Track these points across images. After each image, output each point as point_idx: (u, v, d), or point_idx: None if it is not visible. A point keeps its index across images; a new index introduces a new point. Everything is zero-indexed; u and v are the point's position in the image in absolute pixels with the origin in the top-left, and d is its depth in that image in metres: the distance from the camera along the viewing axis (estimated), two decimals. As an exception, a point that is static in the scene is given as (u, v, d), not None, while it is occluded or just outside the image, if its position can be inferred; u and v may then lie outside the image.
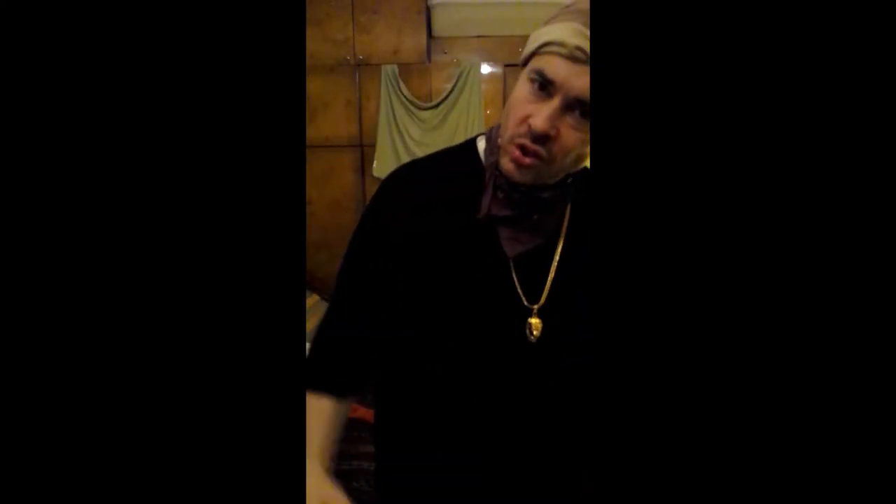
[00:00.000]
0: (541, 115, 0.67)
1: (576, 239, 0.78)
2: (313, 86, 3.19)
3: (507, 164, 0.72)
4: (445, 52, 3.23)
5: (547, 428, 0.73)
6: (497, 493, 0.73)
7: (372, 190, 3.51)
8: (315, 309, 3.02)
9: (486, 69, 3.18)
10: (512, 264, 0.74)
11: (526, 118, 0.68)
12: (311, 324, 2.81)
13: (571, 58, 0.64)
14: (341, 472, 2.23)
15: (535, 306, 0.74)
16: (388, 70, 3.14)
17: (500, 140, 0.73)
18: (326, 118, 3.24)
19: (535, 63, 0.68)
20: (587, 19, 0.64)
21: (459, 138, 3.15)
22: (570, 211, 0.79)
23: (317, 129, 3.24)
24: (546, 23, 0.68)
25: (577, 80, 0.65)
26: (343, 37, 3.18)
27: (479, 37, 3.21)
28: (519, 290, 0.74)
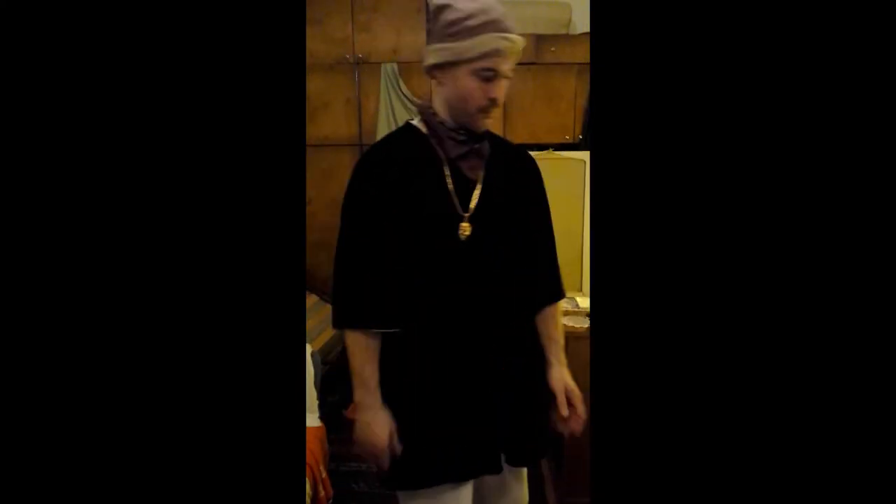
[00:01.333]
0: (500, 92, 1.10)
1: (492, 164, 1.16)
2: (313, 84, 3.18)
3: (484, 123, 1.13)
4: (445, 51, 3.22)
5: (476, 299, 1.11)
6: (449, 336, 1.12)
7: (372, 189, 3.42)
8: (315, 309, 3.01)
9: (486, 68, 3.18)
10: (453, 189, 1.11)
11: (487, 97, 1.08)
12: (311, 324, 2.80)
13: (503, 55, 1.06)
14: (341, 473, 2.23)
15: (467, 214, 1.11)
16: (388, 68, 3.13)
17: (463, 114, 1.11)
18: (326, 117, 3.23)
19: (483, 65, 1.06)
20: (501, 25, 1.07)
21: (459, 137, 3.14)
22: (490, 144, 1.17)
23: (316, 128, 3.23)
24: (464, 38, 1.05)
25: (506, 66, 1.10)
26: (342, 35, 3.17)
27: (479, 35, 3.20)
28: (456, 204, 1.11)
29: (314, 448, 1.82)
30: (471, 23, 1.05)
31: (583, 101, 3.21)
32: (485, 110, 1.10)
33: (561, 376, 1.20)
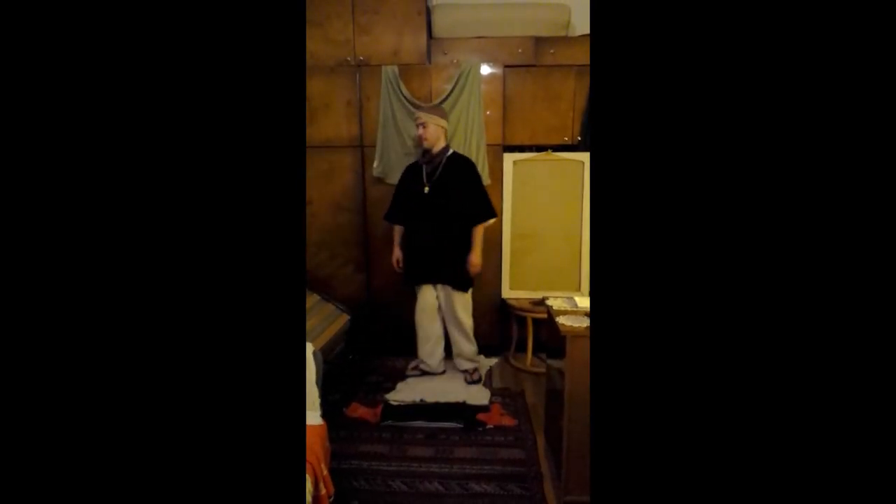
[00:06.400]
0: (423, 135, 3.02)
1: (448, 166, 2.97)
2: (314, 86, 3.20)
3: (421, 144, 3.05)
4: (445, 53, 3.24)
5: (434, 225, 2.99)
6: (426, 253, 3.05)
7: (372, 190, 3.53)
8: (316, 308, 3.03)
9: (485, 70, 3.20)
10: (424, 177, 3.00)
11: (419, 134, 3.03)
12: (313, 322, 2.81)
13: (418, 122, 2.99)
14: (342, 472, 2.25)
15: (427, 184, 2.98)
16: (389, 71, 3.15)
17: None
18: (327, 119, 3.25)
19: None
20: (421, 110, 2.98)
21: (459, 138, 3.16)
22: (447, 160, 2.99)
23: (317, 130, 3.26)
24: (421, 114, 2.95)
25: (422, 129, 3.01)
26: (343, 38, 3.19)
27: (479, 37, 3.22)
28: (424, 181, 3.00)
29: (315, 446, 1.83)
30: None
31: (582, 103, 3.22)
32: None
33: (473, 253, 2.99)
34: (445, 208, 2.92)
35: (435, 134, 2.90)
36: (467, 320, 3.10)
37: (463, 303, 3.07)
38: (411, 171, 3.03)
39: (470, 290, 3.09)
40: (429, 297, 3.07)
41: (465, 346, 3.14)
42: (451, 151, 2.97)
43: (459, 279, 3.02)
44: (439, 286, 3.04)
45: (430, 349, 3.14)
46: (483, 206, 2.95)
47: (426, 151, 2.93)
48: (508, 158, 3.30)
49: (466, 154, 3.09)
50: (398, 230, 3.10)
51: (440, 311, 3.11)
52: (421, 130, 2.88)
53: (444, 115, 2.94)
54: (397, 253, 3.10)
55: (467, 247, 2.98)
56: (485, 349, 3.34)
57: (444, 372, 3.19)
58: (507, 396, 2.95)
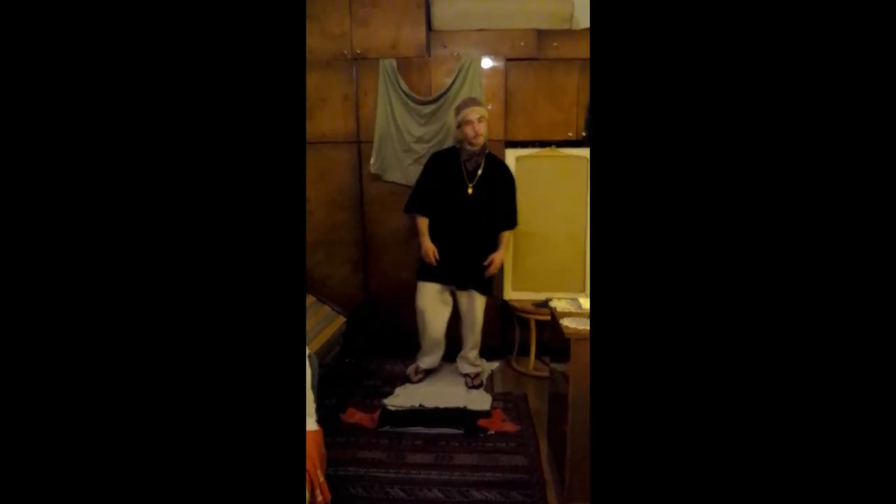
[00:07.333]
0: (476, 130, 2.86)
1: (487, 166, 2.89)
2: (310, 81, 3.11)
3: (473, 142, 2.86)
4: (445, 46, 3.17)
5: (475, 229, 2.92)
6: (460, 251, 2.95)
7: (369, 188, 3.44)
8: (311, 310, 2.95)
9: (487, 63, 3.12)
10: (466, 175, 2.88)
11: (475, 131, 2.82)
12: (308, 324, 2.74)
13: (472, 118, 2.81)
14: (339, 478, 2.19)
15: (471, 184, 2.87)
16: (387, 64, 3.08)
17: (463, 141, 2.90)
18: (323, 114, 3.18)
19: (462, 119, 2.84)
20: (468, 106, 2.82)
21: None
22: (486, 159, 2.90)
23: (314, 126, 3.18)
24: (458, 110, 2.86)
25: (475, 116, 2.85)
26: (340, 31, 3.11)
27: (480, 30, 3.15)
28: (466, 181, 2.88)
29: (312, 452, 1.78)
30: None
31: (586, 97, 3.15)
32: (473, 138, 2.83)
33: (497, 254, 2.94)
34: (486, 212, 2.85)
35: (486, 130, 2.79)
36: (482, 323, 3.05)
37: (482, 306, 3.03)
38: (444, 164, 2.88)
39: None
40: (443, 294, 2.99)
41: (474, 349, 3.09)
42: (487, 150, 2.89)
43: (488, 283, 2.98)
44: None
45: (438, 346, 3.08)
46: (514, 213, 2.95)
47: (469, 149, 2.79)
48: (511, 154, 3.23)
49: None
50: (424, 221, 2.91)
51: (446, 308, 3.02)
52: (479, 127, 2.73)
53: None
54: (431, 245, 2.88)
55: (492, 250, 2.92)
56: (486, 352, 3.27)
57: (440, 368, 3.16)
58: (509, 401, 2.89)
